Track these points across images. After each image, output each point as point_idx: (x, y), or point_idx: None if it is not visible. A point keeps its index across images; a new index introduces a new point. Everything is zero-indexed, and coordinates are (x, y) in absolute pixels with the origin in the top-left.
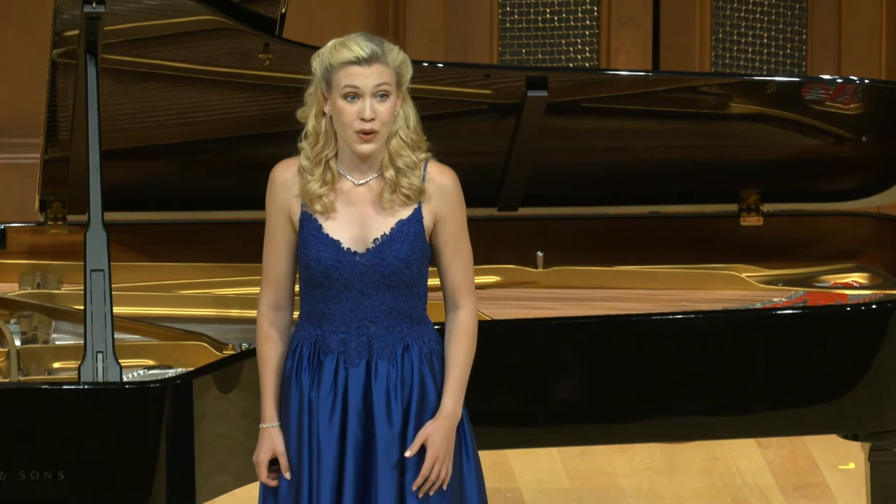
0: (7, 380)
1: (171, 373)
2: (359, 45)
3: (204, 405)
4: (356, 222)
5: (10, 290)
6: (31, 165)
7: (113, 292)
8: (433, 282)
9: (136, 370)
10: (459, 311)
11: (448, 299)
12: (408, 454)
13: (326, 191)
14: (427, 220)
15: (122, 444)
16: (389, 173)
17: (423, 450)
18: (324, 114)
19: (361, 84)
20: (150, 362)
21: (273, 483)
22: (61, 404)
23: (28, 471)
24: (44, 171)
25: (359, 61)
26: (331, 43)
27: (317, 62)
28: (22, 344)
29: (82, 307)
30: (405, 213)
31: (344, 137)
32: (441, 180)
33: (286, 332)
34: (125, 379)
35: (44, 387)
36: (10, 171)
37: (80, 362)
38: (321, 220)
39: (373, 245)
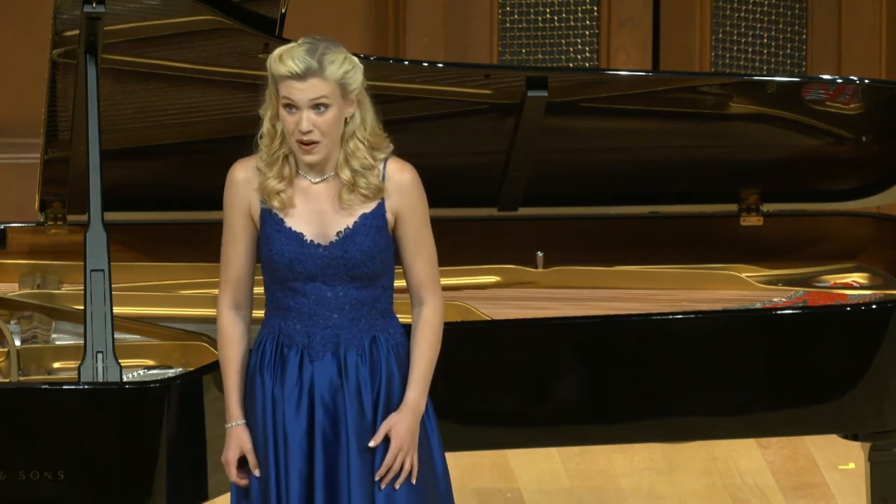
0: (7, 380)
1: (171, 373)
2: (294, 61)
3: (203, 405)
4: (316, 218)
5: (10, 290)
6: (31, 165)
7: (113, 292)
8: (400, 282)
9: (136, 370)
10: (424, 307)
11: (413, 295)
12: (372, 444)
13: (284, 186)
14: (389, 216)
15: (122, 445)
16: (345, 174)
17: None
18: (278, 115)
19: (297, 98)
20: (150, 362)
21: (243, 482)
22: (61, 404)
23: (28, 471)
24: (44, 171)
25: (293, 76)
26: (276, 51)
27: (268, 66)
28: (22, 344)
29: (82, 307)
30: (368, 207)
31: (290, 144)
32: (400, 178)
33: (246, 331)
34: (125, 379)
35: (44, 387)
36: (10, 171)
37: (80, 362)
38: (282, 215)
39: (336, 238)
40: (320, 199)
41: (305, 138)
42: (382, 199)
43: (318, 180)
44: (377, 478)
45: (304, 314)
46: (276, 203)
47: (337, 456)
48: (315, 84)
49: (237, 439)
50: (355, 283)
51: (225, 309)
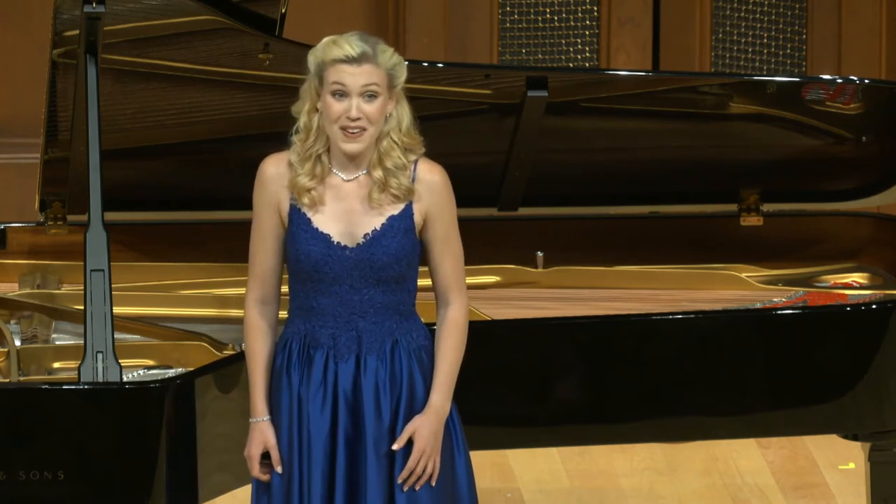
0: (7, 380)
1: (171, 373)
2: (350, 44)
3: (204, 405)
4: (345, 217)
5: (10, 290)
6: (31, 165)
7: (113, 292)
8: (425, 281)
9: (136, 370)
10: (449, 308)
11: (439, 296)
12: (395, 447)
13: (315, 184)
14: (417, 218)
15: (122, 445)
16: (378, 173)
17: (412, 445)
18: (316, 110)
19: (349, 83)
20: (150, 362)
21: (265, 477)
22: (61, 404)
23: (28, 471)
24: (44, 171)
25: (348, 60)
26: (325, 39)
27: (311, 58)
28: (22, 344)
29: (82, 307)
30: (395, 209)
31: (330, 134)
32: (430, 178)
33: (274, 327)
34: (125, 379)
35: (44, 387)
36: (10, 171)
37: (80, 362)
38: (310, 215)
39: (363, 240)
40: (350, 197)
41: (353, 124)
42: (410, 201)
43: (349, 178)
44: (399, 480)
45: (328, 316)
46: (305, 200)
47: (357, 457)
48: (369, 70)
49: (261, 434)
50: (382, 287)
51: (252, 304)
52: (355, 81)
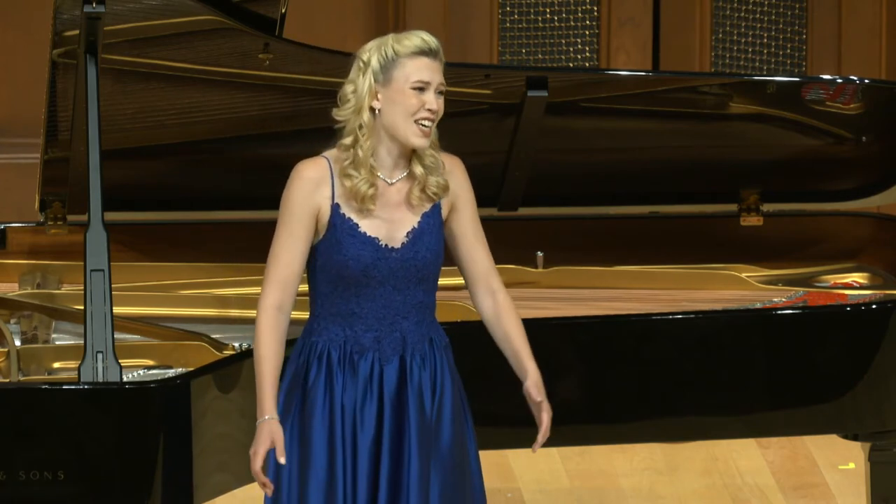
0: (7, 380)
1: (171, 373)
2: (428, 37)
3: (203, 405)
4: (387, 220)
5: (10, 290)
6: (31, 165)
7: (113, 292)
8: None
9: (136, 370)
10: (498, 294)
11: (481, 285)
12: (545, 420)
13: (373, 190)
14: (444, 211)
15: (121, 444)
16: (419, 169)
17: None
18: (371, 109)
19: (430, 77)
20: (150, 362)
21: (264, 479)
22: (61, 404)
23: (28, 471)
24: (44, 171)
25: (429, 52)
26: (388, 36)
27: (373, 55)
28: (22, 344)
29: (82, 307)
30: (427, 206)
31: (399, 129)
32: (452, 168)
33: (285, 335)
34: (125, 379)
35: (44, 387)
36: (10, 171)
37: (80, 362)
38: (356, 220)
39: (406, 239)
40: (391, 200)
41: (432, 116)
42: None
43: (393, 180)
44: (537, 447)
45: (372, 319)
46: (371, 206)
47: (400, 455)
48: (439, 66)
49: (270, 433)
50: (422, 286)
51: (269, 310)
52: (434, 76)
